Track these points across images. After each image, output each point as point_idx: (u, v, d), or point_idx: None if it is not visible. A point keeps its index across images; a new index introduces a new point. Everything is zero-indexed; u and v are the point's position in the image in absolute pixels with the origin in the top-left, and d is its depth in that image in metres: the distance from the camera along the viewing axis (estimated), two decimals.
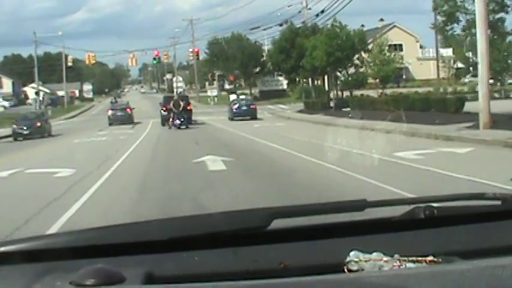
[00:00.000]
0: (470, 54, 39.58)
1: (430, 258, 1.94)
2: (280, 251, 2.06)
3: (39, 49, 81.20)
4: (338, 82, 45.50)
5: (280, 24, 62.58)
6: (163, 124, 39.47)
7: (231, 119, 43.03)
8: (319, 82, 60.07)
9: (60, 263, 1.91)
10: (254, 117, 42.47)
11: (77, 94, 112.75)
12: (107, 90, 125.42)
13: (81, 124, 48.66)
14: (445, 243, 2.10)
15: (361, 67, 41.96)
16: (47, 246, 2.01)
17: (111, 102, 59.12)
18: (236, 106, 45.66)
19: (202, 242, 2.06)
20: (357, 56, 45.63)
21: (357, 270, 1.91)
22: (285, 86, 72.96)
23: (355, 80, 43.20)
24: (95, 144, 27.21)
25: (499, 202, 2.35)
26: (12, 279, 1.86)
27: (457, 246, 2.09)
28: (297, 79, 56.31)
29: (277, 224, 2.16)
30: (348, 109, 41.26)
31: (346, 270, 1.92)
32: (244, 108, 45.35)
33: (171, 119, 38.07)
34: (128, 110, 47.76)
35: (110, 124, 44.23)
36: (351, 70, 47.46)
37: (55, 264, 1.91)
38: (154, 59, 69.97)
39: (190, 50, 72.61)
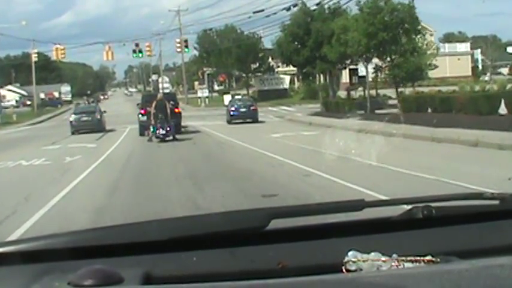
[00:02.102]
0: None
1: (428, 258, 1.87)
2: (278, 251, 2.00)
3: (17, 50, 69.30)
4: (378, 75, 30.19)
5: (288, 9, 49.21)
6: (141, 133, 29.90)
7: (229, 122, 38.33)
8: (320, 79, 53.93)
9: (58, 264, 1.87)
10: (255, 120, 38.07)
11: (57, 96, 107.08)
12: (89, 92, 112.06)
13: (41, 131, 41.35)
14: (444, 243, 2.05)
15: (413, 54, 26.24)
16: (45, 246, 1.97)
17: (76, 105, 51.97)
18: (234, 108, 39.77)
19: (201, 242, 2.02)
20: (405, 38, 34.97)
21: (355, 270, 1.85)
22: (287, 85, 57.65)
23: (406, 71, 27.79)
24: (3, 181, 16.12)
25: (497, 202, 2.28)
26: (11, 280, 1.82)
27: (456, 246, 2.04)
28: (313, 74, 39.67)
29: (275, 224, 2.09)
30: (383, 111, 34.86)
31: (344, 270, 1.86)
32: (244, 110, 39.50)
33: (151, 127, 27.37)
34: (97, 114, 37.73)
35: (73, 133, 35.74)
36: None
37: (53, 264, 1.86)
38: (134, 51, 55.56)
39: (178, 40, 55.93)
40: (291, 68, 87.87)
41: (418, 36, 33.09)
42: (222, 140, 25.58)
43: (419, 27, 32.55)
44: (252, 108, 38.97)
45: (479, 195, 2.38)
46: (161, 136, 26.12)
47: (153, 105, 27.05)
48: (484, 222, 2.20)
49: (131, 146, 24.62)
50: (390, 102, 46.09)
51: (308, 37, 44.35)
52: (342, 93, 49.88)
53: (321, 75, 49.32)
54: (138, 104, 33.64)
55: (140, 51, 64.45)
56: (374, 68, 35.42)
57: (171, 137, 26.39)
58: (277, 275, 1.81)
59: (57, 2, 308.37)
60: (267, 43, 66.22)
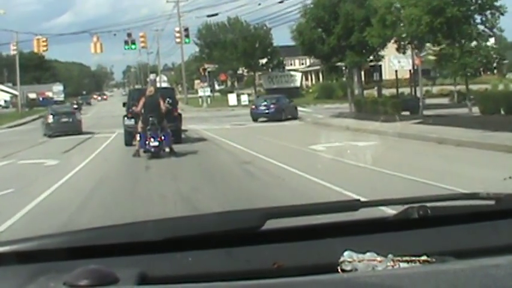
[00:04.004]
0: None
1: (424, 258, 1.87)
2: (274, 251, 2.02)
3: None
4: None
5: None
6: (127, 143, 21.88)
7: (255, 120, 35.45)
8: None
9: (54, 264, 1.86)
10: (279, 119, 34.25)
11: (51, 96, 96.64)
12: (84, 92, 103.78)
13: (13, 136, 34.21)
14: (439, 243, 2.07)
15: (490, 37, 16.14)
16: (40, 247, 1.97)
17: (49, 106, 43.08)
18: (259, 104, 36.17)
19: (196, 243, 2.03)
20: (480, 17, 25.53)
21: (350, 271, 1.86)
22: (298, 83, 48.93)
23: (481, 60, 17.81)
24: None
25: (492, 202, 2.29)
26: (6, 280, 1.81)
27: (451, 245, 2.04)
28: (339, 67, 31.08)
29: (271, 224, 2.09)
30: (431, 112, 28.51)
31: (339, 270, 1.87)
32: (264, 107, 35.63)
33: (138, 136, 18.63)
34: (77, 115, 34.00)
35: (50, 135, 30.88)
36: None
37: (49, 265, 1.86)
38: (126, 43, 45.27)
39: (177, 29, 46.75)
40: (297, 66, 79.15)
41: (497, 14, 23.56)
42: (245, 157, 17.52)
43: (498, 2, 23.09)
44: (273, 106, 35.58)
45: (475, 195, 2.34)
46: (152, 150, 18.32)
47: (141, 103, 19.38)
48: (480, 222, 2.20)
49: (106, 166, 17.72)
50: (428, 101, 37.15)
51: (335, 22, 37.00)
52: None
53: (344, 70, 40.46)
54: (124, 104, 25.84)
55: (133, 43, 55.41)
56: (437, 56, 25.87)
57: (167, 150, 18.86)
58: (273, 275, 1.81)
59: (56, 2, 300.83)
60: (278, 40, 57.74)
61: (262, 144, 21.34)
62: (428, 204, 2.18)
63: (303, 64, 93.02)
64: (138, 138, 19.00)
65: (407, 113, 30.79)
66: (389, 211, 2.28)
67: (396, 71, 39.79)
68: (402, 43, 29.77)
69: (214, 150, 20.86)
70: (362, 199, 2.26)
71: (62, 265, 1.79)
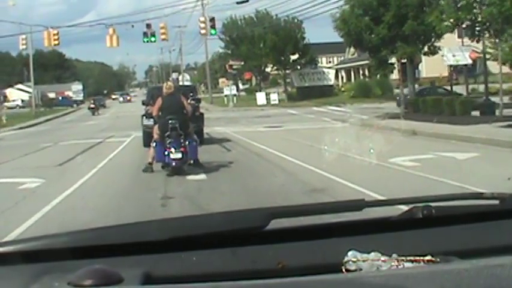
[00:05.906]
0: None
1: (428, 257, 1.86)
2: (278, 251, 2.02)
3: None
4: None
5: None
6: (146, 145, 18.46)
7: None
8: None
9: (58, 264, 1.88)
10: None
11: (70, 95, 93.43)
12: (105, 91, 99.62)
13: (17, 140, 30.14)
14: (443, 243, 2.05)
15: None
16: (45, 246, 1.98)
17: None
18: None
19: (201, 242, 2.04)
20: None
21: (354, 270, 1.85)
22: (332, 81, 43.55)
23: None
24: None
25: (497, 202, 2.27)
26: (10, 280, 1.81)
27: (455, 245, 2.03)
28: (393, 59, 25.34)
29: (275, 224, 2.07)
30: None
31: (344, 270, 1.87)
32: None
33: (153, 143, 13.66)
34: None
35: None
36: None
37: (53, 264, 1.87)
38: (145, 34, 39.52)
39: (201, 18, 41.17)
40: (324, 64, 74.20)
41: None
42: (311, 178, 14.75)
43: None
44: None
45: (479, 195, 2.34)
46: (173, 164, 13.55)
47: (157, 105, 14.55)
48: (484, 222, 2.18)
49: (102, 196, 11.47)
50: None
51: (385, 9, 32.33)
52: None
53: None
54: (143, 102, 23.45)
55: (153, 35, 49.87)
56: None
57: (191, 161, 14.06)
58: (277, 275, 1.80)
59: (79, 3, 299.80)
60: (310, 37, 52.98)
61: (321, 156, 14.63)
62: (432, 204, 2.16)
63: (330, 62, 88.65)
64: (153, 145, 14.27)
65: (477, 113, 26.91)
66: (394, 211, 2.20)
67: (450, 66, 34.82)
68: (477, 28, 24.93)
69: (257, 164, 15.78)
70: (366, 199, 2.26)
71: (66, 265, 1.80)
